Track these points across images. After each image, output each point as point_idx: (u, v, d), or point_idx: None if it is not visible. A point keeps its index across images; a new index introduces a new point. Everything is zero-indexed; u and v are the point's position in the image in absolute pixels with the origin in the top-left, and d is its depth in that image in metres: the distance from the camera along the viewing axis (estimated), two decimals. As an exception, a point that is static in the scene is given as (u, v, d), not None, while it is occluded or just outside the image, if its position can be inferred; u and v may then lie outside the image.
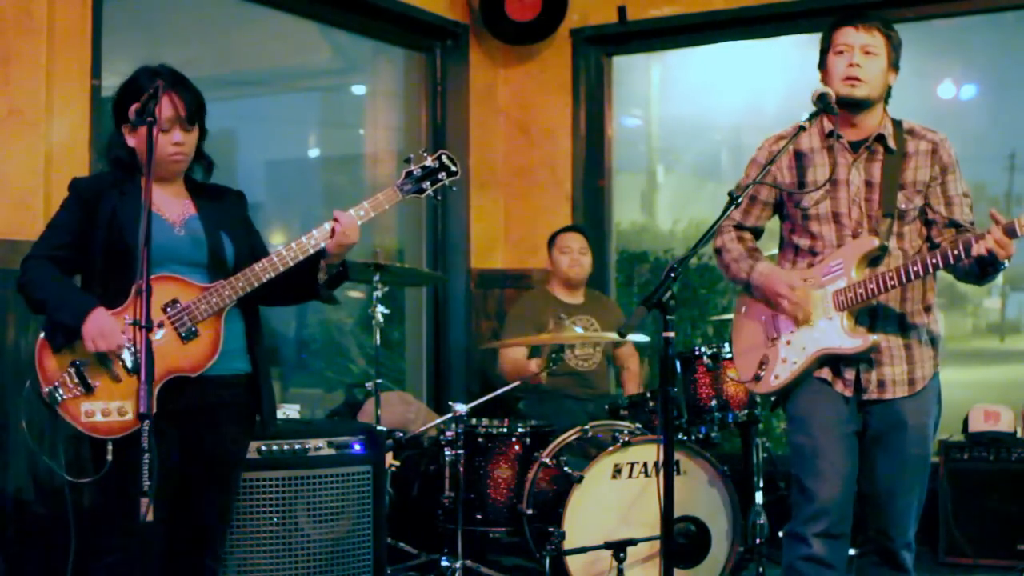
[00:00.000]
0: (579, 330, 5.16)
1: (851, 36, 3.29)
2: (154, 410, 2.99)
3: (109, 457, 3.02)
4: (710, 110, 7.66)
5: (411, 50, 6.44)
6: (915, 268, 3.11)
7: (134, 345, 2.93)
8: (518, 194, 6.48)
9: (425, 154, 3.36)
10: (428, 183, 3.33)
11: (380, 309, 4.84)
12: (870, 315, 3.29)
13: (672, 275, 2.97)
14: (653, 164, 8.26)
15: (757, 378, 3.42)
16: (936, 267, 3.11)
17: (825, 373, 3.33)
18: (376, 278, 4.79)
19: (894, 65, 3.34)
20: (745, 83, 7.04)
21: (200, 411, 3.19)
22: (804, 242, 3.40)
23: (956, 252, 3.05)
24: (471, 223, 6.34)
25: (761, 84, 6.89)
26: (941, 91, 7.23)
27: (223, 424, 3.26)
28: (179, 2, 5.62)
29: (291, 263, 3.18)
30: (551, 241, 5.63)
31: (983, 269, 3.09)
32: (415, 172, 3.33)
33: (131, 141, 3.18)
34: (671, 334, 2.97)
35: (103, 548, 3.17)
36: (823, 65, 3.37)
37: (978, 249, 3.00)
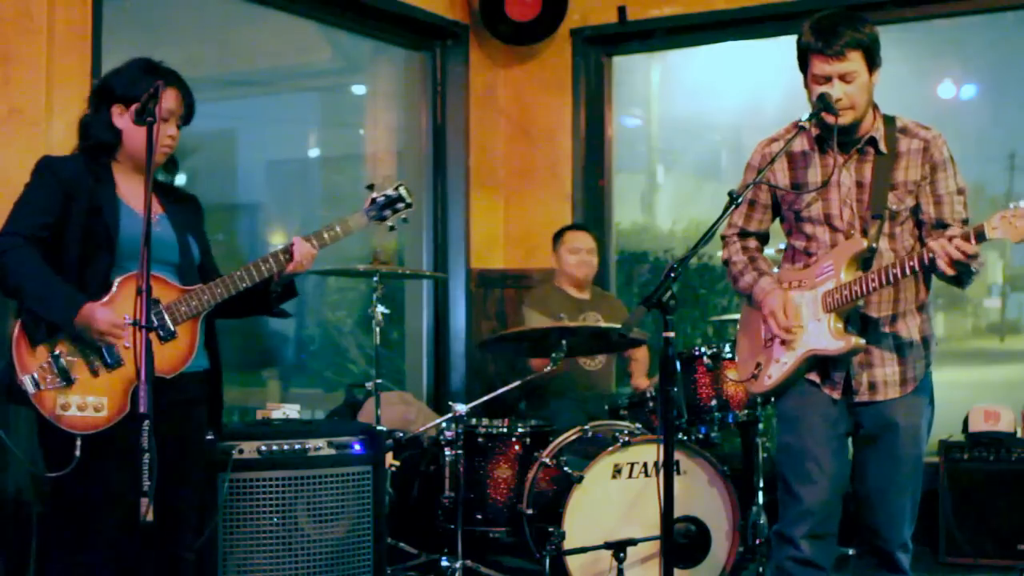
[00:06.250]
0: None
1: (825, 67, 3.20)
2: (132, 408, 3.01)
3: (77, 453, 2.96)
4: (710, 110, 7.66)
5: (411, 50, 6.44)
6: (895, 271, 3.10)
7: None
8: (518, 194, 6.48)
9: (386, 184, 3.47)
10: (389, 211, 3.45)
11: (380, 309, 4.84)
12: (862, 316, 3.29)
13: (672, 275, 2.97)
14: (653, 164, 8.26)
15: (754, 377, 3.44)
16: (914, 270, 3.08)
17: (814, 375, 3.33)
18: (376, 278, 4.80)
19: (875, 67, 3.25)
20: (745, 83, 7.04)
21: (168, 408, 3.13)
22: (800, 243, 3.41)
23: (931, 256, 3.03)
24: (471, 223, 6.34)
25: (761, 84, 6.88)
26: (941, 91, 7.23)
27: (188, 419, 3.28)
28: (179, 2, 5.62)
29: (251, 283, 3.23)
30: (556, 238, 5.61)
31: (956, 277, 3.05)
32: (379, 200, 3.44)
33: (119, 123, 3.19)
34: (671, 334, 2.98)
35: (64, 547, 3.09)
36: (807, 81, 3.29)
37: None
